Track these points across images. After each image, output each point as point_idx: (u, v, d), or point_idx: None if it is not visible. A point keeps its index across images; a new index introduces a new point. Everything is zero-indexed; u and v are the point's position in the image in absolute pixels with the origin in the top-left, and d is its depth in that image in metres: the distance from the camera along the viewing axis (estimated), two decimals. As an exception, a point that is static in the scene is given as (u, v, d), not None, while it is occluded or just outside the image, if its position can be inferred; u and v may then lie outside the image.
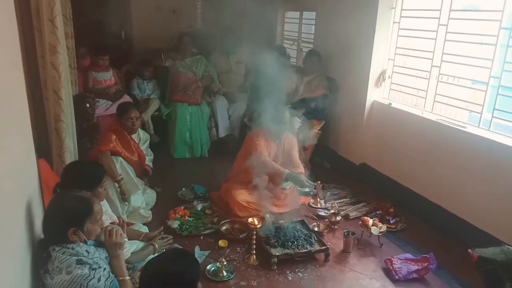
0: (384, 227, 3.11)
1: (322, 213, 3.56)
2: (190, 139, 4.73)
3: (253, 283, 2.67)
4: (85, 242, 1.81)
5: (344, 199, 3.82)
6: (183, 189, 3.87)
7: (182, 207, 3.48)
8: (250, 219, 2.91)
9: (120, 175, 3.18)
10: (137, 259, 2.38)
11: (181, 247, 2.98)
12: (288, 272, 2.79)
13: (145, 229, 2.91)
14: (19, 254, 1.72)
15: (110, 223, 2.28)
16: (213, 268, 2.74)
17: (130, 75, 5.02)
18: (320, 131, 4.36)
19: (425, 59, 3.54)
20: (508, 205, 2.83)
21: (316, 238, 3.03)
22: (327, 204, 3.70)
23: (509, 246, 2.35)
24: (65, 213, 1.78)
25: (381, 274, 2.82)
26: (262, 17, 4.18)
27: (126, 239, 2.16)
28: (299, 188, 3.41)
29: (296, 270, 2.81)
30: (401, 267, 2.78)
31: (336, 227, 3.34)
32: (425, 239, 3.23)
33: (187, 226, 3.22)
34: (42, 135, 2.80)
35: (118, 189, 3.16)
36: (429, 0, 3.48)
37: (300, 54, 5.26)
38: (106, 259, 1.89)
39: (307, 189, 3.44)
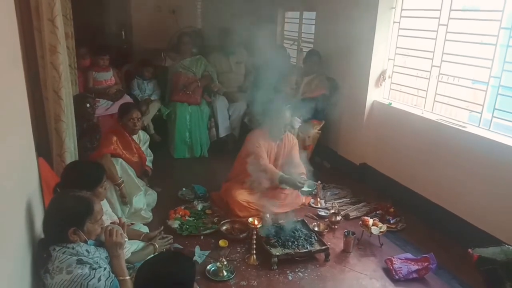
0: (384, 227, 3.11)
1: (322, 213, 3.56)
2: (190, 139, 4.73)
3: (253, 283, 2.67)
4: (86, 242, 1.81)
5: (344, 199, 3.82)
6: (183, 189, 3.87)
7: (182, 207, 3.48)
8: (250, 219, 2.91)
9: (121, 178, 3.18)
10: (138, 259, 2.38)
11: (181, 247, 2.98)
12: (288, 272, 2.79)
13: (145, 229, 2.91)
14: (19, 254, 1.72)
15: (110, 222, 2.28)
16: (213, 268, 2.74)
17: (130, 75, 5.02)
18: (320, 131, 4.36)
19: (425, 59, 3.54)
20: (508, 205, 2.83)
21: (316, 238, 3.03)
22: (327, 204, 3.70)
23: (509, 246, 2.35)
24: (65, 212, 1.78)
25: (381, 274, 2.82)
26: (262, 17, 4.18)
27: (126, 239, 2.16)
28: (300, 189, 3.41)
29: (296, 270, 2.81)
30: (401, 267, 2.78)
31: (336, 227, 3.34)
32: (425, 239, 3.23)
33: (187, 226, 3.22)
34: (42, 135, 2.80)
35: (119, 192, 3.16)
36: (429, 0, 3.48)
37: (300, 54, 5.26)
38: (106, 258, 1.89)
39: (305, 188, 3.43)
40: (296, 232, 3.04)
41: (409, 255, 2.91)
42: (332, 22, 4.46)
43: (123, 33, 5.93)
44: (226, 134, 4.93)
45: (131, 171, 3.32)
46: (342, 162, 4.49)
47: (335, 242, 3.17)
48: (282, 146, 3.56)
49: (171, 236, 2.79)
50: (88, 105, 3.62)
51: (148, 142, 3.64)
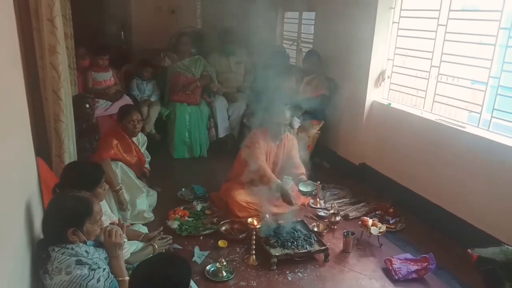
0: (383, 227, 3.11)
1: (321, 213, 3.57)
2: (189, 139, 4.73)
3: (253, 283, 2.67)
4: (85, 243, 1.80)
5: (344, 199, 3.83)
6: (183, 189, 3.87)
7: (182, 208, 3.48)
8: (249, 220, 2.91)
9: (119, 184, 3.18)
10: (137, 260, 2.36)
11: (181, 247, 2.98)
12: (287, 272, 2.79)
13: (144, 230, 2.91)
14: (18, 254, 1.72)
15: (110, 223, 2.28)
16: (212, 269, 2.74)
17: (129, 75, 5.02)
18: (319, 131, 4.36)
19: (424, 59, 3.54)
20: (507, 205, 2.83)
21: (315, 238, 3.03)
22: (326, 204, 3.70)
23: (509, 246, 2.36)
24: (65, 213, 1.77)
25: (381, 274, 2.82)
26: (262, 17, 4.17)
27: (125, 240, 2.16)
28: (300, 189, 3.41)
29: (296, 270, 2.81)
30: (400, 267, 2.78)
31: (335, 227, 3.34)
32: (425, 239, 3.23)
33: (187, 227, 3.22)
34: (41, 136, 2.80)
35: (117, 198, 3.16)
36: (428, 0, 3.48)
37: (299, 54, 5.26)
38: (105, 259, 1.88)
39: (304, 188, 3.41)
40: (295, 232, 3.04)
41: (408, 256, 2.91)
42: (332, 23, 4.46)
43: (122, 33, 5.93)
44: (226, 135, 4.93)
45: (132, 173, 3.32)
46: (341, 162, 4.49)
47: (335, 243, 3.17)
48: (281, 146, 3.56)
49: (171, 237, 2.79)
50: (87, 105, 3.61)
51: (146, 144, 3.64)
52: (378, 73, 3.99)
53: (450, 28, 3.26)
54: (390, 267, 2.80)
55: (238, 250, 3.01)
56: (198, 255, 2.91)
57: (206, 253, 2.94)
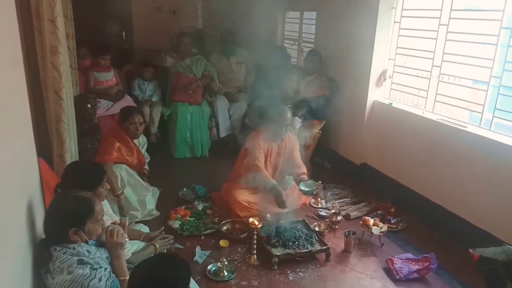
0: (385, 227, 3.11)
1: (323, 213, 3.56)
2: (191, 139, 4.73)
3: (254, 283, 2.67)
4: (86, 242, 1.81)
5: (345, 199, 3.82)
6: (184, 189, 3.87)
7: (183, 207, 3.48)
8: (251, 219, 2.91)
9: (121, 189, 3.18)
10: (138, 259, 2.36)
11: (182, 247, 2.99)
12: (289, 272, 2.79)
13: (146, 229, 2.91)
14: (20, 254, 1.72)
15: (111, 223, 2.28)
16: (214, 268, 2.74)
17: (130, 75, 5.03)
18: (320, 131, 4.36)
19: (426, 59, 3.53)
20: (509, 205, 2.82)
21: (317, 238, 3.03)
22: (328, 204, 3.70)
23: (510, 246, 2.35)
24: (66, 213, 1.78)
25: (382, 274, 2.82)
26: (263, 17, 4.18)
27: (127, 239, 2.16)
28: (300, 188, 3.41)
29: (297, 270, 2.81)
30: (402, 267, 2.78)
31: (337, 227, 3.34)
32: (426, 239, 3.23)
33: (188, 226, 3.22)
34: (42, 136, 2.80)
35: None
36: (430, 0, 3.48)
37: (300, 54, 5.26)
38: (107, 259, 1.89)
39: (304, 188, 3.41)
40: (296, 232, 3.04)
41: (410, 255, 2.91)
42: (333, 22, 4.46)
43: (123, 33, 5.94)
44: (227, 134, 4.93)
45: (136, 174, 3.34)
46: (342, 162, 4.49)
47: (336, 242, 3.17)
48: (283, 146, 3.56)
49: (172, 236, 2.80)
50: (89, 105, 3.61)
51: (146, 145, 3.65)
52: (380, 72, 3.99)
53: (452, 27, 3.26)
54: (392, 267, 2.79)
55: (240, 250, 3.02)
56: (200, 254, 2.91)
57: (208, 252, 2.94)
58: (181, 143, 4.71)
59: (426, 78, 3.55)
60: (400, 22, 3.79)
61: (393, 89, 3.99)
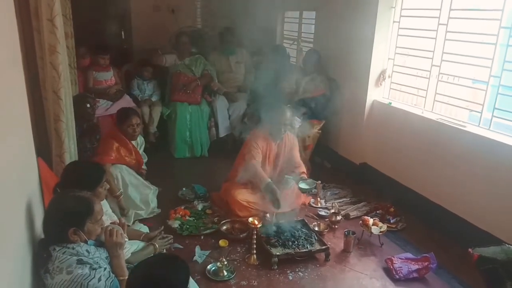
0: (384, 227, 3.11)
1: (322, 212, 3.57)
2: (190, 139, 4.73)
3: (254, 282, 2.67)
4: (86, 242, 1.81)
5: (345, 199, 3.83)
6: (184, 189, 3.87)
7: (183, 207, 3.48)
8: (250, 219, 2.91)
9: (120, 190, 3.18)
10: (137, 259, 2.36)
11: (181, 247, 2.99)
12: (288, 271, 2.79)
13: (145, 229, 2.91)
14: (19, 254, 1.72)
15: (110, 223, 2.28)
16: (213, 268, 2.74)
17: (130, 75, 5.01)
18: (320, 131, 4.36)
19: (425, 59, 3.54)
20: (508, 204, 2.83)
21: (316, 238, 3.03)
22: (327, 204, 3.70)
23: (510, 245, 2.35)
24: (66, 213, 1.77)
25: (382, 273, 2.82)
26: (262, 17, 4.17)
27: (126, 239, 2.16)
28: (299, 186, 3.41)
29: (297, 270, 2.81)
30: (401, 267, 2.78)
31: (336, 226, 3.34)
32: (425, 238, 3.23)
33: (188, 226, 3.22)
34: (41, 136, 2.80)
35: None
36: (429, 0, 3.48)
37: (300, 54, 5.26)
38: (106, 259, 1.89)
39: (303, 186, 3.40)
40: (296, 231, 3.04)
41: (409, 255, 2.91)
42: (332, 22, 4.46)
43: (122, 32, 5.93)
44: (226, 134, 4.93)
45: (136, 173, 3.35)
46: (342, 162, 4.49)
47: (335, 242, 3.17)
48: (282, 146, 3.55)
49: (171, 236, 2.79)
50: (88, 105, 3.61)
51: (143, 146, 3.65)
52: (379, 72, 3.99)
53: (451, 27, 3.26)
54: (391, 267, 2.80)
55: (239, 250, 3.02)
56: (199, 254, 2.91)
57: (207, 252, 2.94)
58: (180, 143, 4.71)
59: (426, 77, 3.56)
60: (399, 22, 3.79)
61: (393, 89, 3.99)
